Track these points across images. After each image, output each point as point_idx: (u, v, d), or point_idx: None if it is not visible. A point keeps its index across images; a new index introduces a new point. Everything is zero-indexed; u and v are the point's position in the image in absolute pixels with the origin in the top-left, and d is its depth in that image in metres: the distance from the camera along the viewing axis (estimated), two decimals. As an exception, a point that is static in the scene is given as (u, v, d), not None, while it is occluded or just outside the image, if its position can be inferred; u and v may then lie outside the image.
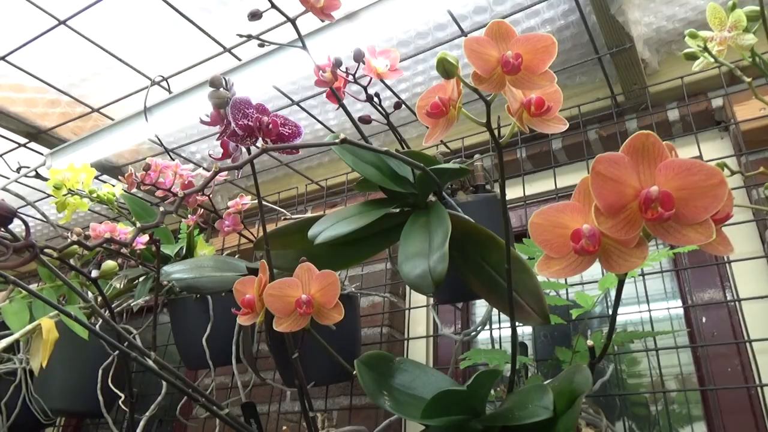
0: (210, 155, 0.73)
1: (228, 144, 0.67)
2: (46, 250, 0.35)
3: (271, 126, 0.61)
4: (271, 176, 1.67)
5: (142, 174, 0.84)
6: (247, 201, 0.92)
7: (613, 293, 0.76)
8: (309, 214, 1.24)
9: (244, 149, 0.68)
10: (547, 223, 0.39)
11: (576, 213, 0.38)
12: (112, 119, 1.29)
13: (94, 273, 1.47)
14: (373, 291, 1.36)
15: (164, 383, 1.21)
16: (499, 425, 0.55)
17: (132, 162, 1.48)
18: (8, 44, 1.08)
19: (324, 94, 1.28)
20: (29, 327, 1.06)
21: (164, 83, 1.09)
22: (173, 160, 0.90)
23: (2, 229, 0.37)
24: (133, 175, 0.85)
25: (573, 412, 0.45)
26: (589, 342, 0.48)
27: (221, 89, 0.59)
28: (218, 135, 0.67)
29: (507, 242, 0.57)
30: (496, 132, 1.27)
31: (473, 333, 0.85)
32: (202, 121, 0.64)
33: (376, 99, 0.81)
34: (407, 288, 1.43)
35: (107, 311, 1.29)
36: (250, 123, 0.61)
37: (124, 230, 0.93)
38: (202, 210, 0.92)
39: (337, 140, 0.53)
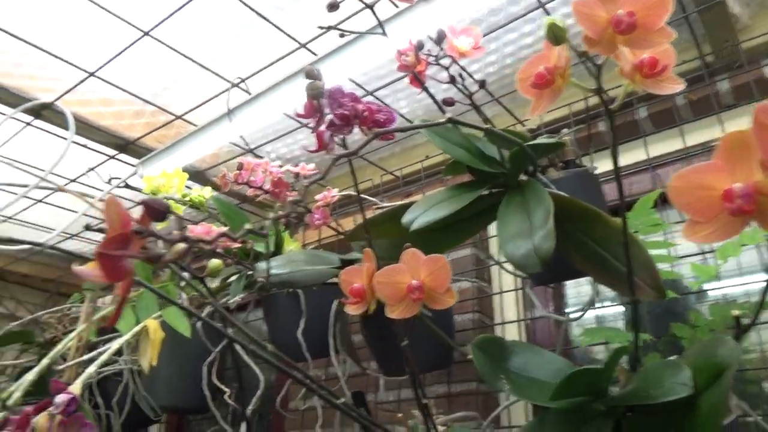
0: (305, 149, 0.73)
1: (323, 135, 0.67)
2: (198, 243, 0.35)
3: (366, 113, 0.61)
4: (345, 169, 1.68)
5: (235, 174, 0.86)
6: (335, 193, 0.92)
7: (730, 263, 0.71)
8: (399, 203, 1.24)
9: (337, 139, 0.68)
10: (689, 186, 0.36)
11: (720, 172, 0.35)
12: (194, 125, 1.33)
13: (186, 274, 1.53)
14: (461, 277, 1.34)
15: (261, 377, 1.24)
16: (627, 405, 0.52)
17: (213, 165, 1.52)
18: (97, 60, 1.13)
19: (394, 84, 1.27)
20: (137, 328, 1.11)
21: (243, 85, 1.12)
22: (261, 158, 0.91)
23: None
24: (226, 175, 0.87)
25: (720, 388, 0.42)
26: (735, 312, 0.45)
27: (317, 80, 0.59)
28: (313, 128, 0.67)
29: (623, 214, 0.54)
30: (583, 103, 1.22)
31: (581, 313, 0.82)
32: (298, 114, 0.64)
33: (458, 80, 0.79)
34: (493, 273, 1.40)
35: (204, 310, 1.35)
36: (346, 112, 0.60)
37: (217, 231, 0.95)
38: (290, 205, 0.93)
39: (443, 120, 0.52)
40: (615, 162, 0.52)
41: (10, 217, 1.41)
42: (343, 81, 1.11)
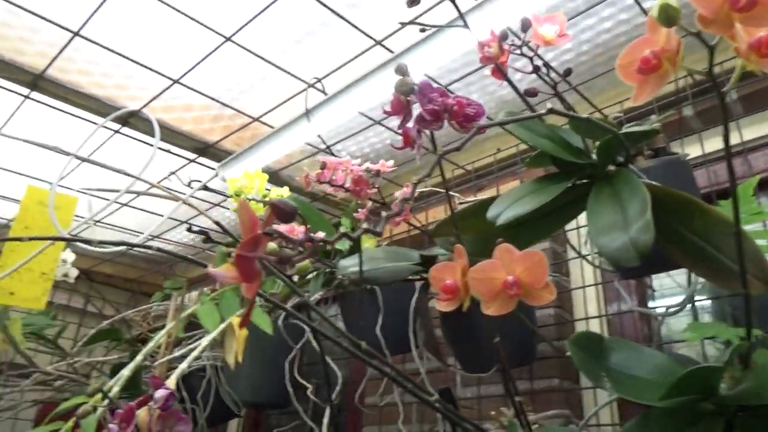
0: (391, 145, 0.73)
1: (409, 131, 0.67)
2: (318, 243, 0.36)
3: (456, 108, 0.60)
4: (411, 166, 1.68)
5: (317, 173, 0.87)
6: (413, 188, 0.92)
7: None
8: (481, 197, 1.23)
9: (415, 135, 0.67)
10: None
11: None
12: (271, 126, 1.36)
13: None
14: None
15: (339, 372, 1.26)
16: (740, 404, 0.50)
17: (286, 166, 1.55)
18: (179, 67, 1.18)
19: (465, 77, 1.26)
20: (222, 326, 1.15)
21: (319, 85, 1.13)
22: (336, 157, 0.92)
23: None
24: (309, 175, 0.88)
25: None
26: None
27: (406, 76, 0.59)
28: (399, 124, 0.67)
29: (734, 201, 0.51)
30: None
31: (679, 308, 0.78)
32: (384, 111, 0.64)
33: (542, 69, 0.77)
34: (571, 267, 1.37)
35: (284, 308, 1.37)
36: (436, 107, 0.60)
37: (300, 229, 0.96)
38: (371, 203, 0.93)
39: (543, 111, 0.51)
40: (726, 142, 0.49)
41: (97, 221, 1.49)
42: (418, 77, 1.10)
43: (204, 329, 1.59)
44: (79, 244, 0.90)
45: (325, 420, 1.21)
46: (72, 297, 2.42)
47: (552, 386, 1.19)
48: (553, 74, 0.83)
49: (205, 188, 1.54)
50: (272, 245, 0.90)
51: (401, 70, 0.59)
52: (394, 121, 1.43)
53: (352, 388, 1.62)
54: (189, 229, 0.65)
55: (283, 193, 1.15)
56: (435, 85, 0.62)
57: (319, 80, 1.13)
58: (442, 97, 0.61)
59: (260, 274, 0.33)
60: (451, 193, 1.15)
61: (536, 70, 0.80)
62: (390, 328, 1.13)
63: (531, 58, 0.79)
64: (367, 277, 0.98)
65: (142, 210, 1.92)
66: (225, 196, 1.79)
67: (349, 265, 0.96)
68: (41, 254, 1.32)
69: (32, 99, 1.28)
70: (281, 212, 0.34)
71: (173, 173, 1.60)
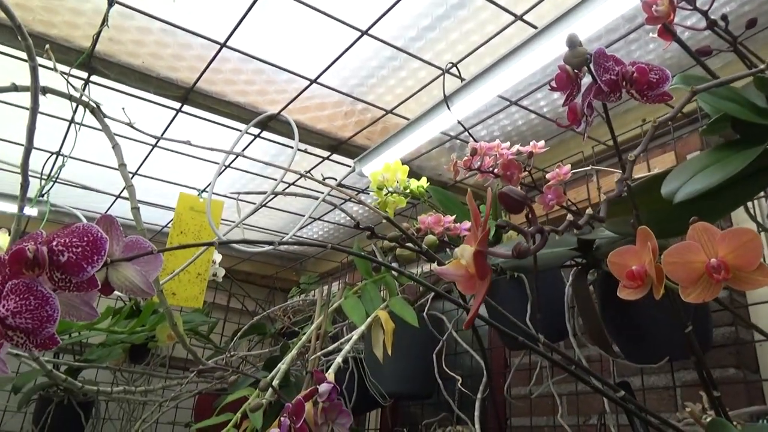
0: (557, 123, 0.69)
1: (576, 107, 0.62)
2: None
3: (637, 75, 0.54)
4: (547, 144, 1.61)
5: (465, 160, 0.84)
6: (568, 170, 0.86)
7: None
8: (654, 172, 1.14)
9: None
10: None
11: None
12: (405, 118, 1.36)
13: (395, 264, 1.58)
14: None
15: (483, 363, 1.23)
16: None
17: (417, 156, 1.55)
18: (311, 66, 1.20)
19: (611, 45, 1.17)
20: (369, 319, 1.16)
21: (454, 70, 1.10)
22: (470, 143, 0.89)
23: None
24: (456, 162, 0.86)
25: None
26: None
27: (579, 47, 0.55)
28: (565, 99, 0.62)
29: None
30: None
31: None
32: (551, 88, 0.60)
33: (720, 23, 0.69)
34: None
35: (422, 300, 1.37)
36: (613, 77, 0.55)
37: (447, 219, 0.95)
38: (521, 187, 0.89)
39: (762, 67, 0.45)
40: None
41: (240, 222, 1.58)
42: (561, 52, 1.05)
43: (345, 321, 1.64)
44: (233, 245, 0.94)
45: (476, 412, 1.19)
46: (216, 294, 2.59)
47: (728, 376, 1.09)
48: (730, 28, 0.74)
49: (341, 185, 1.58)
50: (432, 237, 0.88)
51: (572, 41, 0.55)
52: (532, 101, 1.38)
53: (495, 380, 1.59)
54: (357, 226, 0.64)
55: (422, 183, 1.14)
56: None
57: (455, 65, 1.10)
58: (619, 65, 0.56)
59: (490, 271, 0.31)
60: (615, 170, 1.08)
61: (712, 25, 0.71)
62: (540, 317, 1.09)
63: (705, 13, 0.71)
64: (519, 264, 0.94)
65: (279, 210, 2.01)
66: (357, 191, 1.83)
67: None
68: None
69: (183, 112, 1.37)
70: (511, 202, 0.32)
71: (308, 172, 1.65)
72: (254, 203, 1.48)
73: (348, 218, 2.01)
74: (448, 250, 1.10)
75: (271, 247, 1.03)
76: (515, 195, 0.32)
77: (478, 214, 0.32)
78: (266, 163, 0.90)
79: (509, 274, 1.15)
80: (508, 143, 0.87)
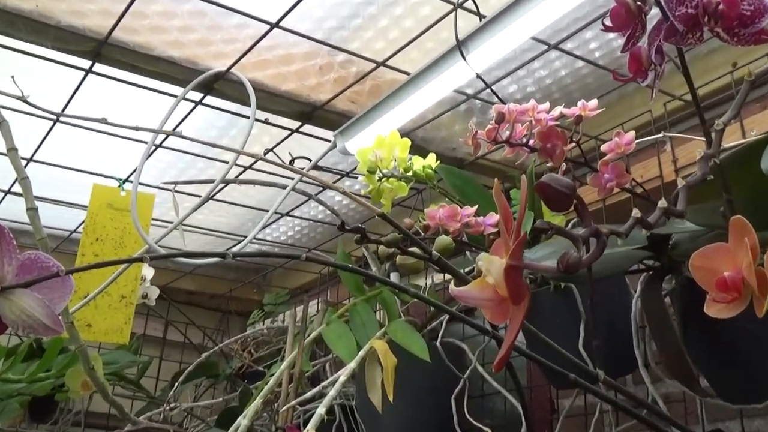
0: (615, 75, 0.69)
1: (640, 54, 0.63)
2: None
3: (723, 8, 0.55)
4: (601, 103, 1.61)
5: (490, 128, 0.85)
6: (631, 138, 0.87)
7: None
8: (751, 138, 1.15)
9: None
10: None
11: None
12: (405, 73, 1.36)
13: (394, 275, 1.59)
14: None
15: (519, 406, 1.24)
16: None
17: (420, 125, 1.54)
18: (277, 3, 1.20)
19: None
20: (362, 353, 1.17)
21: (470, 3, 1.10)
22: (503, 105, 0.90)
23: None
24: (477, 133, 0.86)
25: None
26: None
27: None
28: (625, 43, 0.63)
29: None
30: None
31: None
32: (605, 27, 0.60)
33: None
34: None
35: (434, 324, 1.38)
36: (691, 10, 0.55)
37: (466, 212, 0.95)
38: (567, 165, 0.89)
39: None
40: None
41: (178, 223, 1.57)
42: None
43: (328, 355, 1.64)
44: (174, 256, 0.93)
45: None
46: (149, 323, 2.60)
47: None
48: None
49: (317, 168, 1.57)
50: (446, 239, 0.89)
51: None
52: (578, 43, 1.37)
53: (538, 430, 1.60)
54: (342, 226, 0.64)
55: (429, 162, 1.14)
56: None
57: (472, -2, 1.10)
58: (698, -5, 0.56)
59: (528, 291, 0.32)
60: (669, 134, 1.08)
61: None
62: (598, 343, 1.10)
63: None
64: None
65: (232, 204, 2.01)
66: (340, 174, 1.83)
67: (538, 257, 0.93)
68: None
69: (95, 72, 1.36)
70: (555, 195, 0.33)
71: (271, 151, 1.65)
72: (198, 196, 1.47)
73: (328, 213, 2.01)
74: (468, 253, 1.10)
75: (221, 258, 1.02)
76: (560, 186, 0.32)
77: (509, 212, 0.32)
78: (212, 145, 0.90)
79: (553, 285, 1.16)
80: (548, 104, 0.87)
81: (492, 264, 0.33)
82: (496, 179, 0.37)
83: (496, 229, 0.97)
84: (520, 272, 0.31)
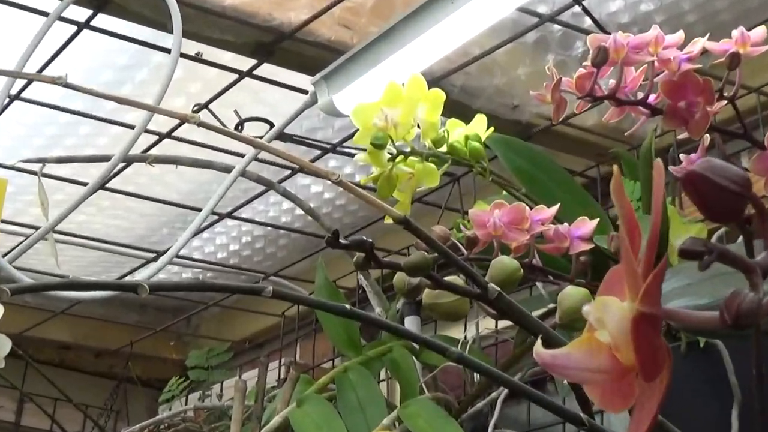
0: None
1: None
2: None
3: None
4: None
5: (582, 74, 0.85)
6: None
7: None
8: None
9: None
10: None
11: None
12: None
13: (410, 319, 1.58)
14: None
15: None
16: None
17: (459, 67, 1.54)
18: None
19: None
20: (364, 449, 1.17)
21: None
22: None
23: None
24: (560, 81, 0.86)
25: None
26: None
27: None
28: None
29: None
30: None
31: None
32: None
33: None
34: None
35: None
36: None
37: (539, 215, 0.95)
38: (712, 137, 0.90)
39: None
40: None
41: (47, 231, 1.55)
42: None
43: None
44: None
45: None
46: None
47: None
48: None
49: (285, 137, 1.57)
50: (509, 262, 0.89)
51: None
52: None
53: None
54: (332, 240, 0.64)
55: (475, 129, 1.14)
56: None
57: None
58: None
59: (670, 357, 0.32)
60: None
61: None
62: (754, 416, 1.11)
63: None
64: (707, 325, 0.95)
65: (140, 197, 2.01)
66: (323, 148, 1.83)
67: (666, 292, 0.93)
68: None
69: None
70: (719, 195, 0.32)
71: (204, 106, 1.66)
72: (82, 183, 1.47)
73: (299, 215, 2.01)
74: (540, 286, 1.09)
75: (117, 292, 1.02)
76: (726, 179, 0.32)
77: (635, 222, 0.32)
78: (106, 96, 0.89)
79: (686, 340, 1.16)
80: (680, 34, 0.87)
81: (608, 311, 0.33)
82: (615, 171, 0.35)
83: (589, 246, 0.97)
84: (659, 325, 0.31)
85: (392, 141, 1.07)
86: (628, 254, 0.33)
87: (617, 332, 0.32)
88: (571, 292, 0.87)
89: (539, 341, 0.34)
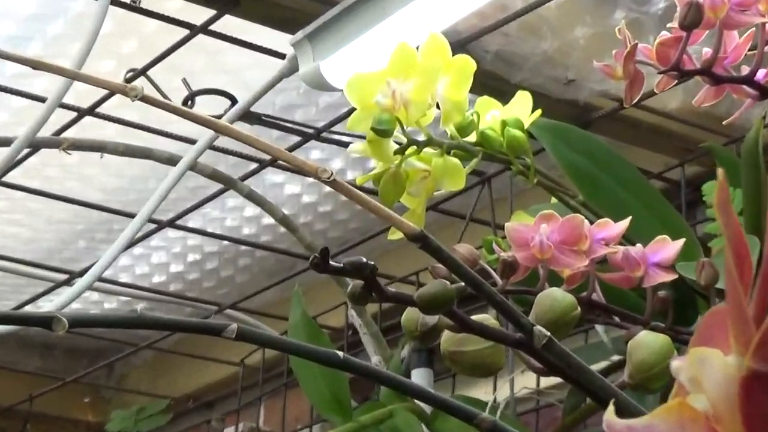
0: None
1: None
2: None
3: None
4: None
5: (665, 39, 0.86)
6: None
7: None
8: None
9: None
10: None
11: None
12: None
13: (420, 372, 1.60)
14: None
15: None
16: None
17: (494, 26, 1.56)
18: None
19: None
20: None
21: None
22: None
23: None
24: (636, 48, 0.87)
25: None
26: None
27: None
28: None
29: None
30: None
31: None
32: None
33: None
34: None
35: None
36: None
37: (602, 231, 0.96)
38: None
39: None
40: None
41: None
42: None
43: None
44: None
45: None
46: None
47: None
48: None
49: (253, 118, 1.58)
50: (562, 295, 0.90)
51: None
52: None
53: None
54: (319, 263, 0.65)
55: (517, 114, 1.15)
56: None
57: None
58: None
59: None
60: None
61: None
62: None
63: None
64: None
65: (44, 196, 2.03)
66: (307, 134, 1.84)
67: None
68: None
69: None
70: None
71: (141, 73, 1.67)
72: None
73: (268, 225, 2.03)
74: (601, 333, 1.10)
75: (19, 327, 1.02)
76: None
77: (746, 246, 0.33)
78: (5, 56, 0.90)
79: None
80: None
81: (707, 367, 0.33)
82: (720, 174, 0.36)
83: (671, 276, 0.97)
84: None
85: (401, 126, 1.07)
86: (736, 290, 0.33)
87: (719, 397, 0.32)
88: (647, 340, 0.87)
89: (611, 407, 0.34)
